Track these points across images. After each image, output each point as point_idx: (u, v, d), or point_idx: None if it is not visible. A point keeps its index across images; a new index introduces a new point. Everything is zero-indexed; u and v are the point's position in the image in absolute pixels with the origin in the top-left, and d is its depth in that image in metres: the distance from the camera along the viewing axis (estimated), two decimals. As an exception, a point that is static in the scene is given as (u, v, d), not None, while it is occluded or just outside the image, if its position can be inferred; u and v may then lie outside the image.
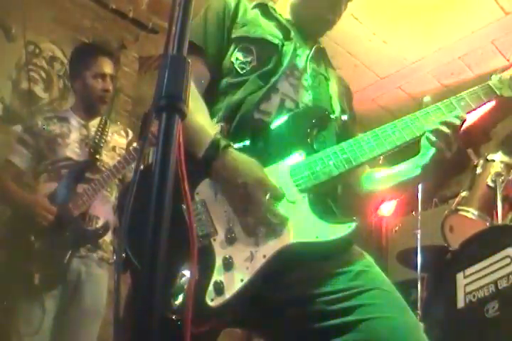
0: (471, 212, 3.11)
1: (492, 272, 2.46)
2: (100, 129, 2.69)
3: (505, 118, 4.65)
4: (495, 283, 2.43)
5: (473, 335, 2.45)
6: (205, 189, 1.26)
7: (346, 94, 1.64)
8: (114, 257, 2.54)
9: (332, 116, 1.46)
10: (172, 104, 0.80)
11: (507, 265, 2.42)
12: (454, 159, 1.31)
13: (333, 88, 1.58)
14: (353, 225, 1.20)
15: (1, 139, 3.19)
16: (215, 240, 1.21)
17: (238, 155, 1.25)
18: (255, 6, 1.59)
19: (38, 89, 3.59)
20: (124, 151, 2.70)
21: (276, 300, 1.22)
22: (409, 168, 1.37)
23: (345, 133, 1.48)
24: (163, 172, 0.76)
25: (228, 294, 1.13)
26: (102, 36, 3.84)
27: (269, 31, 1.53)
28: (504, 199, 2.96)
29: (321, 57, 1.63)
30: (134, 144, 2.64)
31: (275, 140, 1.35)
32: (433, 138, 1.29)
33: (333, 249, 1.21)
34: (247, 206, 1.19)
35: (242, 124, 1.38)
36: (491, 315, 2.37)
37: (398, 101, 4.97)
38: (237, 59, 1.47)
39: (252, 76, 1.44)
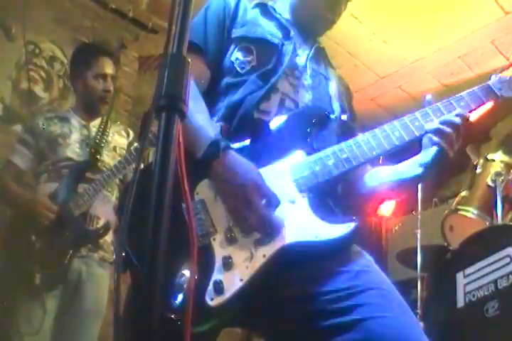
0: (471, 212, 3.11)
1: (492, 271, 2.47)
2: (101, 129, 2.69)
3: (505, 118, 4.65)
4: (495, 282, 2.43)
5: (473, 335, 2.45)
6: (205, 189, 1.26)
7: (346, 93, 1.64)
8: (114, 257, 2.54)
9: (332, 116, 1.46)
10: (172, 104, 0.80)
11: (507, 264, 2.42)
12: (455, 158, 1.31)
13: (333, 88, 1.58)
14: (353, 225, 1.20)
15: (1, 139, 3.19)
16: (214, 240, 1.21)
17: (238, 156, 1.25)
18: (255, 6, 1.60)
19: (38, 89, 3.59)
20: (124, 151, 2.71)
21: (276, 299, 1.22)
22: (411, 167, 1.37)
23: (345, 133, 1.48)
24: (163, 172, 0.76)
25: (228, 293, 1.14)
26: (102, 36, 3.84)
27: (269, 31, 1.54)
28: (504, 199, 2.96)
29: (320, 56, 1.63)
30: (135, 144, 2.65)
31: (275, 140, 1.35)
32: (435, 138, 1.28)
33: (333, 249, 1.21)
34: (241, 207, 1.19)
35: (242, 124, 1.38)
36: (491, 315, 2.37)
37: (398, 101, 4.97)
38: (237, 59, 1.47)
39: (251, 76, 1.44)
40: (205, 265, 1.16)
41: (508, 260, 2.42)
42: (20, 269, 2.38)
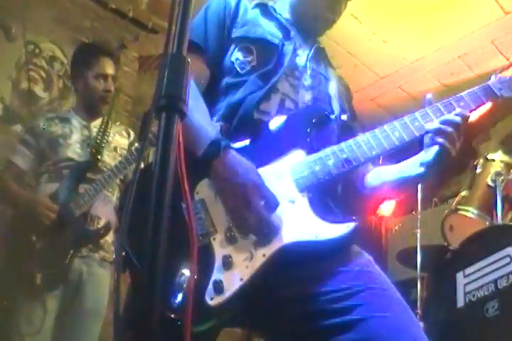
0: (471, 212, 3.11)
1: (492, 271, 2.47)
2: (102, 130, 2.70)
3: (504, 118, 4.65)
4: (495, 282, 2.43)
5: (473, 335, 2.46)
6: (205, 188, 1.26)
7: (346, 93, 1.64)
8: (114, 256, 2.54)
9: (332, 116, 1.46)
10: (172, 104, 0.81)
11: (507, 264, 2.42)
12: (456, 158, 1.31)
13: (333, 88, 1.58)
14: (353, 225, 1.21)
15: (1, 139, 3.20)
16: (214, 239, 1.21)
17: (238, 156, 1.25)
18: (255, 6, 1.60)
19: (38, 89, 3.59)
20: (125, 152, 2.71)
21: (276, 299, 1.22)
22: (412, 167, 1.37)
23: (345, 133, 1.48)
24: (163, 171, 0.76)
25: (228, 293, 1.14)
26: (102, 36, 3.84)
27: (269, 31, 1.54)
28: (504, 199, 2.96)
29: (320, 57, 1.63)
30: (136, 144, 2.65)
31: (275, 140, 1.35)
32: (438, 137, 1.28)
33: (333, 249, 1.21)
34: (240, 207, 1.19)
35: (242, 124, 1.38)
36: (491, 315, 2.37)
37: (398, 101, 4.97)
38: (237, 59, 1.47)
39: (252, 76, 1.44)
40: (205, 264, 1.16)
41: (508, 260, 2.42)
42: (21, 269, 2.38)
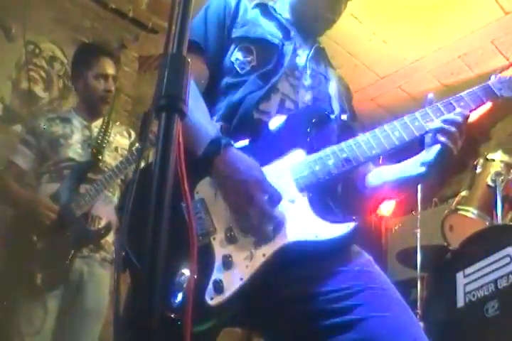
0: (471, 212, 3.11)
1: (492, 271, 2.47)
2: (103, 130, 2.70)
3: (504, 118, 4.65)
4: (495, 282, 2.43)
5: (473, 335, 2.46)
6: (205, 188, 1.26)
7: (346, 93, 1.64)
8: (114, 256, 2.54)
9: (332, 116, 1.46)
10: (172, 104, 0.81)
11: (507, 264, 2.42)
12: (457, 157, 1.31)
13: (333, 88, 1.58)
14: (353, 225, 1.21)
15: (1, 139, 3.20)
16: (214, 239, 1.21)
17: (239, 153, 1.25)
18: (255, 6, 1.60)
19: (38, 89, 3.59)
20: (126, 152, 2.71)
21: (276, 298, 1.22)
22: (413, 166, 1.37)
23: (345, 132, 1.48)
24: (163, 171, 0.76)
25: (228, 293, 1.14)
26: (102, 36, 3.84)
27: (269, 31, 1.54)
28: (504, 199, 2.96)
29: (320, 56, 1.63)
30: (137, 145, 2.65)
31: (275, 140, 1.35)
32: (439, 136, 1.28)
33: (333, 248, 1.21)
34: (243, 204, 1.19)
35: (242, 124, 1.38)
36: (491, 315, 2.37)
37: (398, 101, 4.97)
38: (237, 59, 1.47)
39: (252, 76, 1.44)
40: (205, 264, 1.16)
41: (508, 260, 2.42)
42: (22, 269, 2.38)
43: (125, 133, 2.84)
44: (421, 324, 2.60)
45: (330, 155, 1.29)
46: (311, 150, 1.32)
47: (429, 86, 4.79)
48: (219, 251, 1.19)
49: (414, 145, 1.34)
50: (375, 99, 5.10)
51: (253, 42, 1.49)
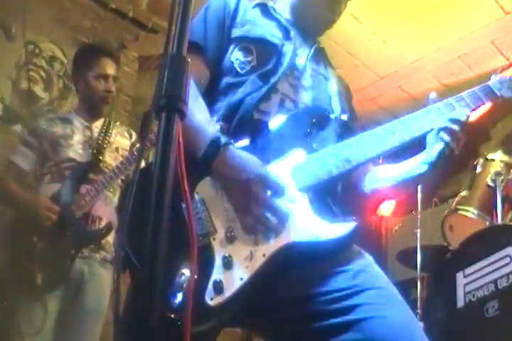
0: (471, 212, 3.11)
1: (492, 271, 2.47)
2: (103, 130, 2.70)
3: (504, 118, 4.65)
4: (495, 282, 2.43)
5: (473, 335, 2.45)
6: (205, 188, 1.26)
7: (346, 93, 1.64)
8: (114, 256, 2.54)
9: (332, 116, 1.46)
10: (172, 104, 0.81)
11: (507, 264, 2.42)
12: (458, 156, 1.31)
13: (333, 88, 1.58)
14: (353, 225, 1.21)
15: (1, 139, 3.20)
16: (214, 239, 1.21)
17: (239, 152, 1.26)
18: (255, 6, 1.60)
19: (38, 89, 3.59)
20: (126, 152, 2.71)
21: (276, 299, 1.22)
22: (415, 166, 1.37)
23: (345, 133, 1.48)
24: (163, 172, 0.76)
25: (228, 293, 1.14)
26: (102, 36, 3.84)
27: (269, 31, 1.54)
28: (504, 199, 2.96)
29: (320, 56, 1.63)
30: (137, 145, 2.65)
31: (275, 140, 1.35)
32: (443, 134, 1.28)
33: (333, 249, 1.21)
34: (248, 203, 1.19)
35: (242, 124, 1.38)
36: (491, 315, 2.37)
37: (398, 101, 4.97)
38: (237, 59, 1.47)
39: (251, 76, 1.44)
40: (204, 264, 1.16)
41: (508, 260, 2.42)
42: (22, 270, 2.38)
43: (126, 134, 2.84)
44: (421, 324, 2.60)
45: (330, 156, 1.29)
46: (311, 151, 1.32)
47: (429, 86, 4.79)
48: (219, 251, 1.19)
49: (414, 145, 1.34)
50: (375, 99, 5.10)
51: (253, 42, 1.49)
